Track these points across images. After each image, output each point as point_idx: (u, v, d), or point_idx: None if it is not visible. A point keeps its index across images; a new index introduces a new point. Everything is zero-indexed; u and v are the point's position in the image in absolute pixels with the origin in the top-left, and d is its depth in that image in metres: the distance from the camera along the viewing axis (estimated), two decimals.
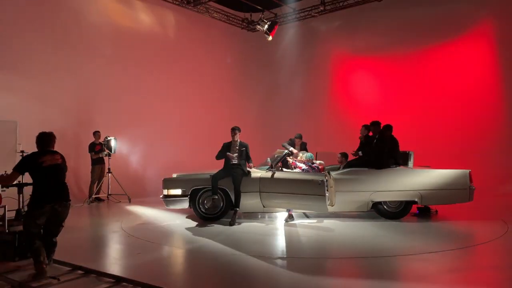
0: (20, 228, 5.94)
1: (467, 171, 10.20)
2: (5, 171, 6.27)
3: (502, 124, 15.40)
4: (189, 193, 9.91)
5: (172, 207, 10.13)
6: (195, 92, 18.54)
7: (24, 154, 11.16)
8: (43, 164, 5.75)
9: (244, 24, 19.82)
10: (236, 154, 10.04)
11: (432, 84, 16.86)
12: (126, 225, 9.63)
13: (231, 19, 19.52)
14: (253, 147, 13.19)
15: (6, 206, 5.88)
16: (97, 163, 13.71)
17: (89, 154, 13.74)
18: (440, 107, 16.55)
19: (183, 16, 18.32)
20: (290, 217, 9.96)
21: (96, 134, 13.70)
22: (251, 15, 19.22)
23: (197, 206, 9.96)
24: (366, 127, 11.66)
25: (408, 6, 17.17)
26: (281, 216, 10.50)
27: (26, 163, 5.80)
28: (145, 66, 16.85)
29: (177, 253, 7.50)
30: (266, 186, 9.74)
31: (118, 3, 16.58)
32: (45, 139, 6.01)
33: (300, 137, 12.15)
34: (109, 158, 13.76)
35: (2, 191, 6.20)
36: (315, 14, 18.51)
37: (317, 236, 8.59)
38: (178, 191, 9.96)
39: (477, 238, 7.94)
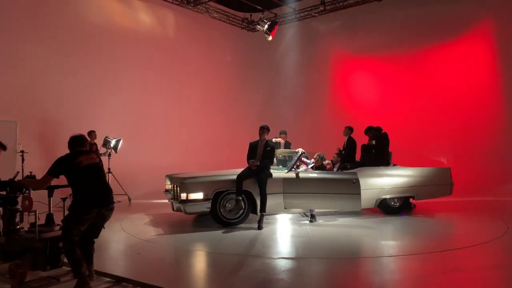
0: (52, 234, 5.53)
1: (449, 168, 11.26)
2: (30, 172, 6.00)
3: (502, 124, 15.27)
4: (212, 197, 9.16)
5: (191, 211, 9.22)
6: (195, 92, 18.45)
7: (24, 154, 11.39)
8: (81, 164, 5.27)
9: (244, 24, 19.68)
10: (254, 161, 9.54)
11: (432, 84, 16.72)
12: (126, 225, 9.57)
13: (231, 19, 19.39)
14: None
15: (37, 211, 5.45)
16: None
17: None
18: (440, 106, 16.43)
19: (183, 16, 18.21)
20: (313, 217, 9.84)
21: (92, 134, 13.46)
22: (251, 15, 19.09)
23: (218, 210, 9.24)
24: (350, 128, 12.31)
25: (408, 6, 17.03)
26: (280, 217, 10.41)
27: (61, 165, 5.31)
28: (145, 66, 16.74)
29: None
30: (292, 187, 9.56)
31: (118, 3, 16.48)
32: (78, 140, 5.58)
33: (285, 133, 12.53)
34: (109, 158, 13.61)
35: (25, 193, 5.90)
36: (315, 14, 18.37)
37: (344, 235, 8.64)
38: (199, 195, 9.09)
39: (477, 238, 7.81)
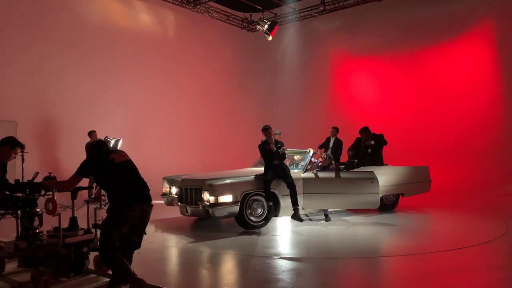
0: (76, 239, 5.02)
1: (427, 166, 11.52)
2: (50, 173, 5.51)
3: (502, 123, 15.09)
4: (241, 199, 8.62)
5: (221, 215, 8.50)
6: (194, 92, 18.17)
7: (24, 154, 10.94)
8: (115, 161, 4.82)
9: (244, 24, 19.39)
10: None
11: (432, 83, 16.53)
12: None
13: (231, 19, 19.10)
14: (253, 146, 12.95)
15: (61, 215, 4.95)
16: None
17: (87, 155, 13.22)
18: (440, 106, 16.24)
19: (183, 16, 17.95)
20: (327, 216, 9.67)
21: (92, 134, 13.09)
22: (251, 15, 18.81)
23: (244, 213, 8.65)
24: (336, 129, 12.33)
25: (408, 6, 16.82)
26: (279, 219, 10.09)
27: (93, 164, 4.88)
28: (145, 66, 16.50)
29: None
30: (312, 187, 9.34)
31: (118, 3, 16.23)
32: (100, 142, 5.15)
33: (279, 133, 12.18)
34: None
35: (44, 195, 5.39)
36: (315, 14, 18.11)
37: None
38: (229, 198, 8.44)
39: (477, 238, 7.65)
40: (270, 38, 17.09)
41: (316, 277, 5.71)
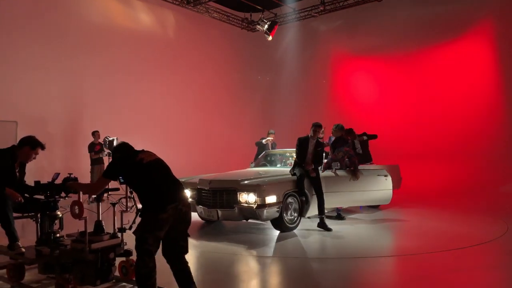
0: (102, 244, 4.58)
1: (397, 165, 11.57)
2: (70, 174, 5.06)
3: (502, 123, 14.83)
4: (282, 199, 8.03)
5: (268, 217, 7.83)
6: (194, 91, 17.91)
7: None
8: (144, 161, 4.34)
9: (244, 24, 19.09)
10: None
11: (432, 83, 16.26)
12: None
13: (231, 19, 18.82)
14: (253, 146, 12.70)
15: (87, 218, 4.47)
16: (97, 163, 12.94)
17: (88, 154, 12.99)
18: (440, 106, 15.97)
19: (183, 16, 17.69)
20: (340, 216, 9.44)
21: (95, 134, 12.96)
22: (251, 15, 18.53)
23: (283, 214, 8.06)
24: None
25: (408, 6, 16.57)
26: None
27: (121, 165, 4.41)
28: (145, 66, 16.24)
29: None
30: (332, 186, 8.96)
31: (117, 3, 16.01)
32: (124, 145, 4.62)
33: (273, 133, 12.30)
34: (109, 158, 12.76)
35: (90, 202, 4.94)
36: (315, 14, 17.84)
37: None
38: (273, 198, 7.80)
39: (477, 238, 7.47)
40: (270, 38, 16.83)
41: (323, 277, 5.61)
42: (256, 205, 7.61)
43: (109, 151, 12.82)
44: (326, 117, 17.70)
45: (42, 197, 5.15)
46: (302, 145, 8.69)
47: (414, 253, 6.59)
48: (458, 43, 15.90)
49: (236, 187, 7.91)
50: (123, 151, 4.55)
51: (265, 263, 6.31)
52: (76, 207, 4.39)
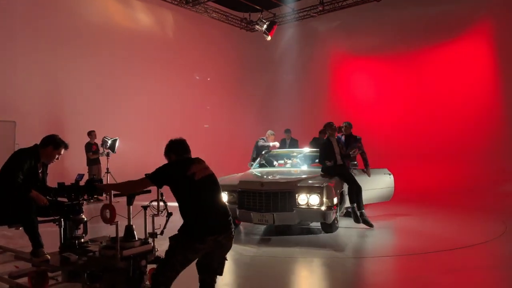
0: (134, 251, 4.12)
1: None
2: (94, 175, 4.63)
3: (501, 123, 14.63)
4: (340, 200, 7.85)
5: (332, 219, 7.55)
6: (193, 91, 17.63)
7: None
8: (196, 177, 3.84)
9: (243, 24, 18.86)
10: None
11: (431, 83, 16.04)
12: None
13: (230, 19, 18.53)
14: (250, 147, 12.36)
15: (119, 223, 4.06)
16: (94, 163, 12.56)
17: (85, 154, 12.58)
18: (439, 106, 15.74)
19: (182, 16, 17.41)
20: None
21: (92, 133, 12.61)
22: (250, 15, 18.33)
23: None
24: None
25: (406, 6, 16.33)
26: None
27: (171, 173, 3.91)
28: (144, 66, 15.97)
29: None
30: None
31: (117, 3, 15.80)
32: (183, 145, 4.18)
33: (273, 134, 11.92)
34: (107, 158, 12.66)
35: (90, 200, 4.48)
36: (314, 14, 17.57)
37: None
38: (336, 199, 7.54)
39: (475, 238, 7.40)
40: (269, 38, 16.50)
41: (313, 277, 5.64)
42: (325, 207, 7.24)
43: (108, 151, 12.59)
44: (325, 116, 17.42)
45: (65, 199, 4.72)
46: (328, 147, 8.53)
47: (412, 253, 6.54)
48: (456, 43, 15.69)
49: (293, 189, 7.39)
50: (180, 152, 4.14)
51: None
52: (107, 210, 3.98)
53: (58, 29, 13.72)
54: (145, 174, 3.92)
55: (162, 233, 4.28)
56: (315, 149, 10.50)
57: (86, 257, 4.27)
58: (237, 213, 7.55)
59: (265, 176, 8.29)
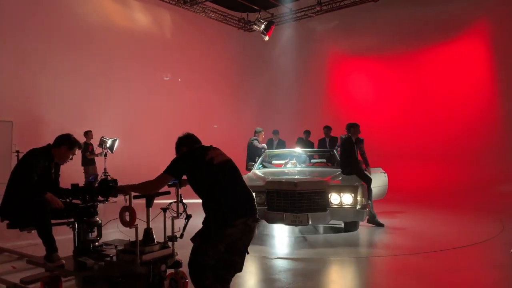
0: (154, 255, 3.92)
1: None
2: (108, 175, 4.38)
3: (497, 123, 14.57)
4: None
5: (364, 218, 7.65)
6: (191, 91, 17.37)
7: (20, 154, 9.96)
8: (214, 161, 3.63)
9: (241, 24, 18.66)
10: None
11: (428, 84, 15.94)
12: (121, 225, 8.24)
13: (227, 19, 18.32)
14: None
15: (138, 226, 3.79)
16: (91, 163, 12.24)
17: (81, 154, 12.17)
18: (435, 106, 15.65)
19: (180, 16, 17.21)
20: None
21: (88, 134, 12.29)
22: (247, 15, 18.18)
23: None
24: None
25: (403, 7, 16.21)
26: None
27: (187, 161, 3.69)
28: (141, 66, 15.79)
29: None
30: None
31: (114, 3, 15.63)
32: (192, 137, 4.00)
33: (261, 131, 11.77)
34: (105, 158, 12.44)
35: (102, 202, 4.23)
36: (312, 14, 17.43)
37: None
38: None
39: (472, 237, 7.34)
40: (266, 38, 16.29)
41: (307, 277, 5.34)
42: (360, 206, 7.22)
43: (106, 151, 12.39)
44: (322, 116, 17.44)
45: (78, 201, 4.48)
46: (350, 146, 8.51)
47: (409, 253, 6.49)
48: (453, 44, 15.60)
49: (324, 188, 7.28)
50: (190, 143, 3.92)
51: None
52: (127, 213, 3.74)
53: (55, 28, 13.53)
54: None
55: (182, 236, 4.08)
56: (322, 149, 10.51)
57: (103, 262, 4.03)
58: (266, 215, 7.23)
59: (285, 177, 8.18)
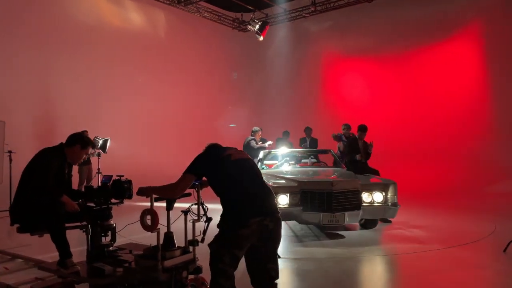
0: (175, 261, 3.68)
1: None
2: (120, 176, 4.05)
3: (489, 124, 14.52)
4: None
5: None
6: (185, 91, 17.11)
7: (12, 154, 10.01)
8: (232, 158, 3.49)
9: (235, 24, 18.42)
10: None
11: (421, 84, 15.83)
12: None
13: (222, 19, 18.05)
14: (241, 147, 11.96)
15: (160, 230, 3.58)
16: (85, 163, 11.90)
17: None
18: (429, 107, 15.55)
19: (174, 15, 16.90)
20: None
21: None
22: (242, 15, 17.96)
23: None
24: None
25: (398, 8, 16.08)
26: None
27: (206, 159, 3.55)
28: (136, 66, 15.47)
29: None
30: None
31: (108, 3, 15.29)
32: (215, 144, 3.78)
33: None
34: (98, 159, 12.19)
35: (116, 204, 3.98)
36: (306, 15, 17.19)
37: None
38: None
39: (464, 237, 7.31)
40: (261, 38, 16.08)
41: (304, 277, 5.33)
42: (390, 203, 7.40)
43: (99, 151, 12.14)
44: (316, 117, 17.29)
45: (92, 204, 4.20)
46: (354, 144, 9.37)
47: (400, 253, 6.52)
48: (447, 44, 15.51)
49: (358, 187, 7.31)
50: (212, 146, 3.74)
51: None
52: (149, 216, 3.48)
53: (48, 28, 13.22)
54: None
55: (202, 240, 3.81)
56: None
57: (124, 268, 3.74)
58: (301, 215, 7.09)
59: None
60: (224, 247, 3.23)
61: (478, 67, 15.12)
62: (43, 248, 5.53)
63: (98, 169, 12.00)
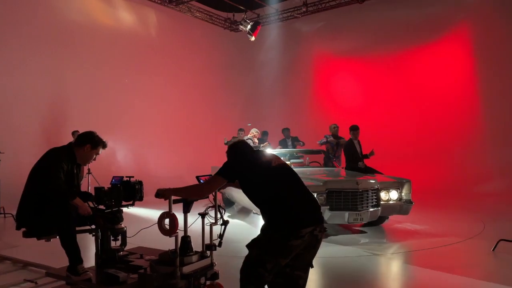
0: (193, 267, 3.46)
1: None
2: (130, 177, 3.79)
3: (478, 124, 14.54)
4: None
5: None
6: (177, 92, 16.79)
7: (1, 155, 9.63)
8: (272, 164, 3.23)
9: (227, 24, 18.14)
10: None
11: (412, 85, 15.80)
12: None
13: (213, 19, 17.75)
14: None
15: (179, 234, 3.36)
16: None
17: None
18: (419, 108, 15.52)
19: (165, 15, 16.56)
20: None
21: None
22: (234, 15, 17.67)
23: None
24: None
25: (389, 9, 16.01)
26: None
27: (243, 164, 3.29)
28: (126, 66, 15.13)
29: None
30: None
31: (99, 1, 14.94)
32: (242, 143, 3.51)
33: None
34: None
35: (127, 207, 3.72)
36: (298, 15, 17.00)
37: None
38: None
39: (453, 236, 7.36)
40: (253, 38, 15.84)
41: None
42: (405, 200, 7.67)
43: None
44: (308, 117, 17.17)
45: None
46: (352, 148, 9.41)
47: (390, 252, 6.54)
48: (436, 45, 15.49)
49: (378, 185, 7.43)
50: (241, 147, 3.46)
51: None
52: (167, 220, 3.25)
53: (38, 27, 12.89)
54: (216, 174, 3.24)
55: (220, 244, 3.61)
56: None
57: (137, 274, 3.50)
58: (327, 215, 7.02)
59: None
60: (270, 254, 3.01)
61: (466, 68, 15.12)
62: (29, 249, 5.46)
63: (89, 169, 11.56)
